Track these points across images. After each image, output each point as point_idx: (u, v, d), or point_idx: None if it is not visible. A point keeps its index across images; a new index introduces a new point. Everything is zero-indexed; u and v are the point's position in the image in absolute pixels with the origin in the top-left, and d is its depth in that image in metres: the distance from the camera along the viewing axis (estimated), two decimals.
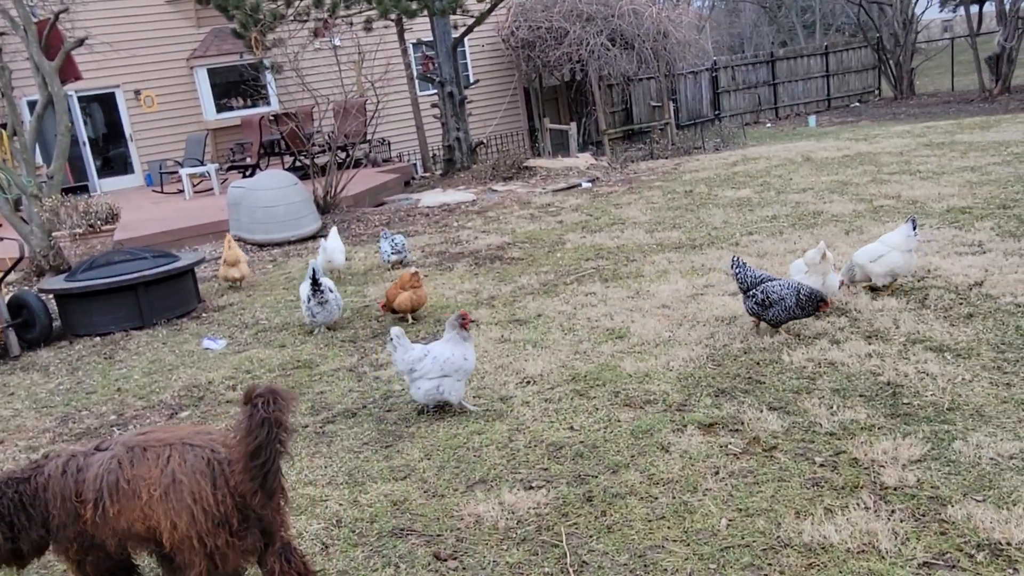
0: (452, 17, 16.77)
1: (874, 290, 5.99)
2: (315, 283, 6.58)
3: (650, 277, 7.16)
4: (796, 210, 9.20)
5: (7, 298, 7.61)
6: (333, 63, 15.05)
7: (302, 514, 3.85)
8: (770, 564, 3.08)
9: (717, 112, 25.03)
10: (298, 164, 16.16)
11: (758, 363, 4.95)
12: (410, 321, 6.73)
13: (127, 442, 2.95)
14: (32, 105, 14.21)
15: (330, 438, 4.68)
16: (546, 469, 4.01)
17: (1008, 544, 2.99)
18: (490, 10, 16.73)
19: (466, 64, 21.45)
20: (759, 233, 8.27)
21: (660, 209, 10.42)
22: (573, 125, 19.05)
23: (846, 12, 35.44)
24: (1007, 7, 22.47)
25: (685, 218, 9.60)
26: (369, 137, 16.83)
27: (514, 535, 3.47)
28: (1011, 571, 2.86)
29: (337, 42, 17.26)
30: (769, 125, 24.39)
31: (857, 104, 27.37)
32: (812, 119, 23.11)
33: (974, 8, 26.52)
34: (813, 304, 5.16)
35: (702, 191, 11.34)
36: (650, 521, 3.45)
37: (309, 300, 6.65)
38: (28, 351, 7.41)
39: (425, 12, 15.58)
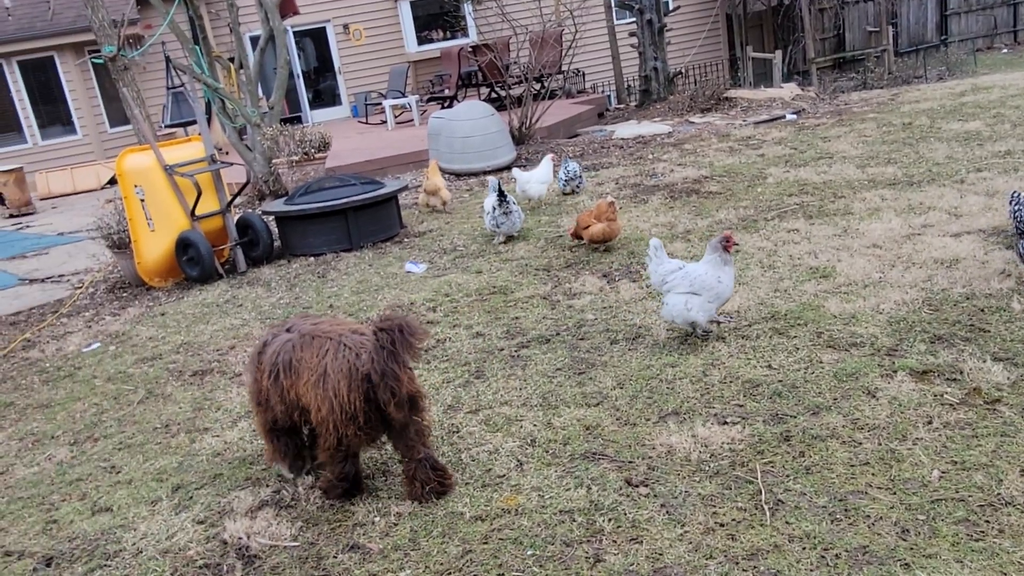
0: None
1: None
2: (501, 195, 7.33)
3: (860, 215, 6.72)
4: None
5: (235, 219, 8.34)
6: None
7: (498, 431, 4.02)
8: (987, 521, 2.88)
9: (944, 37, 22.75)
10: (494, 95, 16.39)
11: (982, 310, 4.55)
12: (602, 250, 6.74)
13: (303, 328, 3.54)
14: (254, 40, 15.25)
15: (524, 362, 4.82)
16: (741, 405, 3.93)
17: None
18: None
19: None
20: (989, 170, 7.52)
21: (873, 143, 9.70)
22: (778, 53, 18.01)
23: None
24: None
25: (902, 152, 8.89)
26: (564, 68, 16.74)
27: (707, 468, 3.45)
28: None
29: None
30: (1006, 51, 21.89)
31: None
32: None
33: None
34: None
35: (923, 123, 10.42)
36: (852, 466, 3.31)
37: (495, 210, 7.38)
38: (252, 268, 8.12)
39: None
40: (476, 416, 4.23)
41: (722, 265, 4.53)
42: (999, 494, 3.01)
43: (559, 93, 16.55)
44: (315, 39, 20.84)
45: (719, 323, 4.75)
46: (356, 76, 20.46)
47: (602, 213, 6.62)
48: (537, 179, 8.66)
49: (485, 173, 11.34)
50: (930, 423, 3.53)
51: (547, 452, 3.77)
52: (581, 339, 5.05)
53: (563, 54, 15.30)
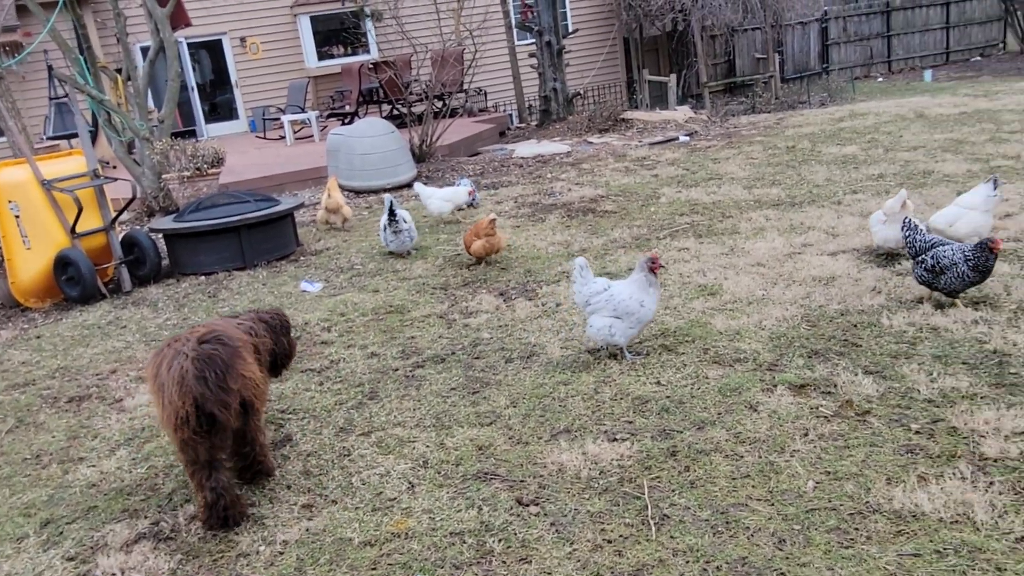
0: None
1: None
2: (391, 214, 7.46)
3: (746, 234, 6.98)
4: (905, 169, 8.78)
5: (120, 236, 8.01)
6: (432, 11, 15.04)
7: (390, 453, 3.97)
8: (857, 528, 3.01)
9: (825, 65, 23.96)
10: (395, 113, 16.33)
11: (855, 325, 4.79)
12: (499, 267, 6.80)
13: (170, 340, 3.54)
14: (145, 51, 14.74)
15: (419, 382, 4.79)
16: (631, 422, 4.01)
17: None
18: None
19: (565, 13, 21.13)
20: (863, 192, 7.94)
21: (760, 165, 10.11)
22: (673, 77, 18.58)
23: None
24: None
25: (786, 175, 9.30)
26: (466, 86, 16.83)
27: (596, 485, 3.50)
28: None
29: None
30: (881, 79, 23.23)
31: (979, 58, 25.72)
32: (928, 73, 21.88)
33: None
34: (983, 256, 4.57)
35: (805, 147, 10.94)
36: (734, 479, 3.42)
37: (385, 229, 7.58)
38: (139, 287, 7.81)
39: None
40: (368, 438, 4.17)
41: (647, 287, 4.56)
42: (867, 502, 3.15)
43: (461, 111, 16.64)
44: (211, 51, 20.31)
45: (625, 357, 4.74)
46: (254, 90, 20.02)
47: (481, 230, 6.78)
48: (439, 196, 8.69)
49: (385, 191, 11.26)
50: (806, 435, 3.68)
51: (439, 473, 3.75)
52: (476, 358, 5.05)
53: (464, 72, 15.39)
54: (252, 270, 7.90)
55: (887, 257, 5.89)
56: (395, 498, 3.58)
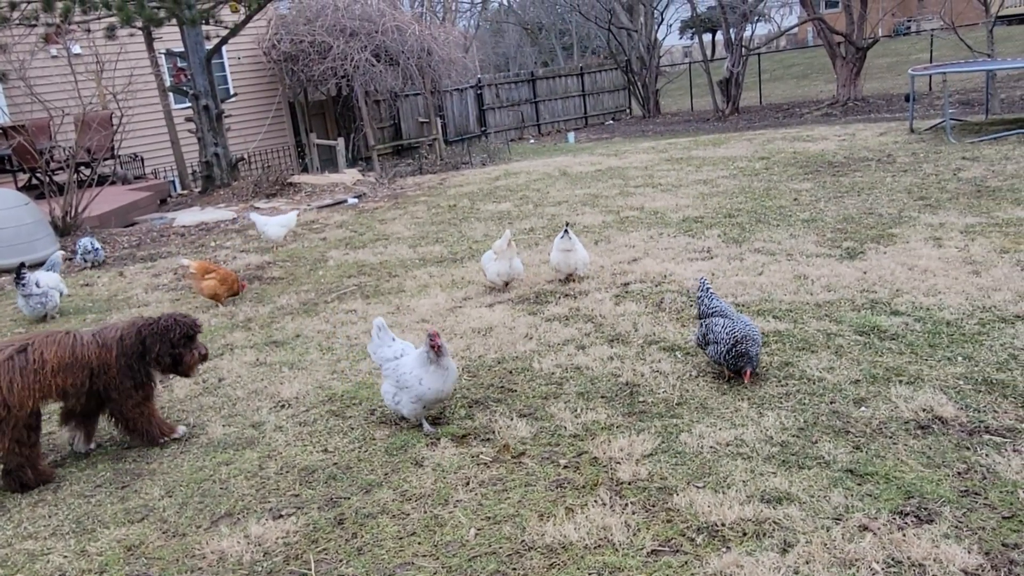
0: (204, 27, 16.01)
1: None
2: (17, 274, 7.04)
3: (411, 292, 7.18)
4: (551, 223, 9.63)
5: None
6: (68, 72, 13.82)
7: (18, 573, 3.46)
8: (514, 569, 3.16)
9: (484, 128, 25.75)
10: (34, 182, 14.70)
11: (511, 372, 5.10)
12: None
13: None
14: None
15: (57, 483, 4.25)
16: (297, 495, 3.88)
17: (722, 525, 3.27)
18: (244, 22, 16.11)
19: (225, 76, 20.54)
20: (517, 245, 8.54)
21: (424, 224, 10.51)
22: (340, 140, 18.80)
23: (599, 36, 37.86)
24: (732, 36, 24.98)
25: (447, 232, 9.75)
26: (117, 152, 15.63)
27: (260, 568, 3.32)
28: (724, 550, 3.12)
29: (77, 50, 15.89)
30: (532, 141, 25.45)
31: (611, 122, 29.27)
32: (571, 135, 24.41)
33: (707, 36, 29.24)
34: (735, 362, 4.52)
35: (465, 205, 11.58)
36: (401, 538, 3.43)
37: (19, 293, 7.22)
38: None
39: (174, 21, 14.74)
40: None
41: (427, 364, 4.27)
42: (523, 540, 3.33)
43: (113, 179, 15.38)
44: None
45: (426, 434, 4.41)
46: None
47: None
48: (274, 223, 9.33)
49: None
50: (468, 484, 3.81)
51: None
52: (127, 448, 4.61)
53: (113, 137, 14.28)
54: None
55: (504, 287, 6.84)
56: None
